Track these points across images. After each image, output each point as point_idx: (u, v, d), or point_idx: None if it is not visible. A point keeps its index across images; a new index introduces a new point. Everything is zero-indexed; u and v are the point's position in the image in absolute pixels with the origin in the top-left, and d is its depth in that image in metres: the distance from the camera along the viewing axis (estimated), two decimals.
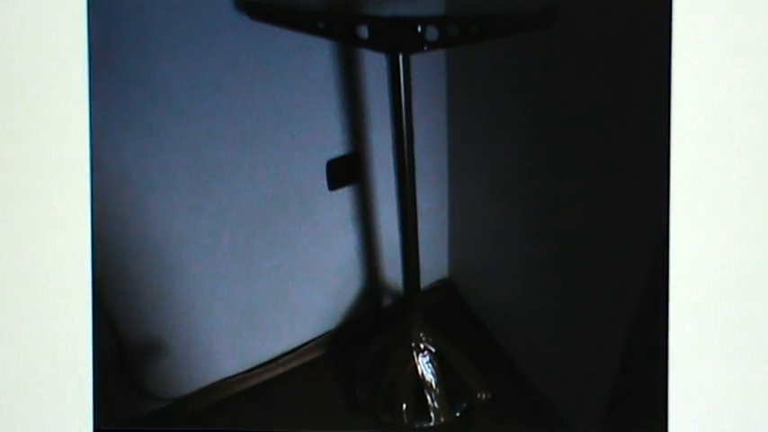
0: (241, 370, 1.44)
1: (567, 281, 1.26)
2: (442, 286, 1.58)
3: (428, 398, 1.34)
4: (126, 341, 1.26)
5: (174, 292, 1.29)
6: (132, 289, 1.22)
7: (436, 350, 1.35)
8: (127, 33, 1.03)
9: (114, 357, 1.24)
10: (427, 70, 1.28)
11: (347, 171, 1.37)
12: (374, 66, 1.16)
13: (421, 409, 1.34)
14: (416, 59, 1.12)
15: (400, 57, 1.10)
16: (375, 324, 1.52)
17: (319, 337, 1.49)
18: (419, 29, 1.04)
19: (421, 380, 1.34)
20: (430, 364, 1.34)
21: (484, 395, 1.37)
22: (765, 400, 0.83)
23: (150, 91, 1.12)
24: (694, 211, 0.85)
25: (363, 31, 1.07)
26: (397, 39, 1.07)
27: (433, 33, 1.04)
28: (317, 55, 1.20)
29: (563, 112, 1.14)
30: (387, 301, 1.54)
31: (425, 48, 1.06)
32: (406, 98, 1.13)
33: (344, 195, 1.39)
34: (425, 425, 1.33)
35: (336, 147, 1.33)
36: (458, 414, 1.35)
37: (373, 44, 1.09)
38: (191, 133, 1.16)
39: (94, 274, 0.89)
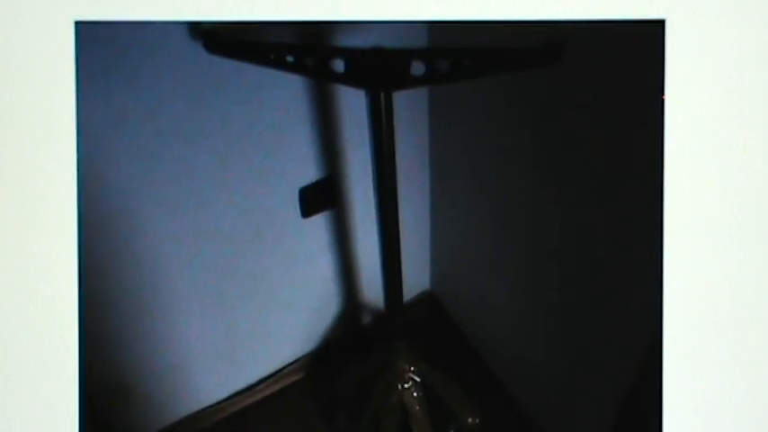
0: (221, 398, 1.34)
1: (559, 301, 1.14)
2: (424, 299, 1.52)
3: (413, 429, 1.22)
4: (109, 377, 1.16)
5: (151, 325, 1.16)
6: (110, 325, 1.10)
7: (422, 379, 1.23)
8: (117, 63, 0.87)
9: (95, 393, 1.14)
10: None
11: (321, 197, 1.21)
12: (349, 90, 0.97)
13: None
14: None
15: (381, 95, 0.89)
16: (356, 343, 1.43)
17: (298, 359, 1.40)
18: (403, 63, 0.84)
19: (406, 410, 1.22)
20: (415, 394, 1.22)
21: (471, 419, 1.26)
22: None
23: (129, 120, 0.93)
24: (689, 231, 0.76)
25: (339, 65, 0.87)
26: (378, 74, 0.87)
27: (419, 68, 0.85)
28: (288, 78, 0.98)
29: (553, 131, 0.99)
30: (367, 319, 1.47)
31: (411, 84, 0.86)
32: (387, 138, 0.93)
33: (319, 222, 1.24)
34: None
35: (308, 173, 1.17)
36: None
37: (350, 79, 0.88)
38: (163, 162, 0.99)
39: (81, 312, 0.80)
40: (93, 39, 0.81)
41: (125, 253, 1.04)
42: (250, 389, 1.35)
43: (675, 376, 0.77)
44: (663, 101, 0.68)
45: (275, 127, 1.07)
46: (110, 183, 0.96)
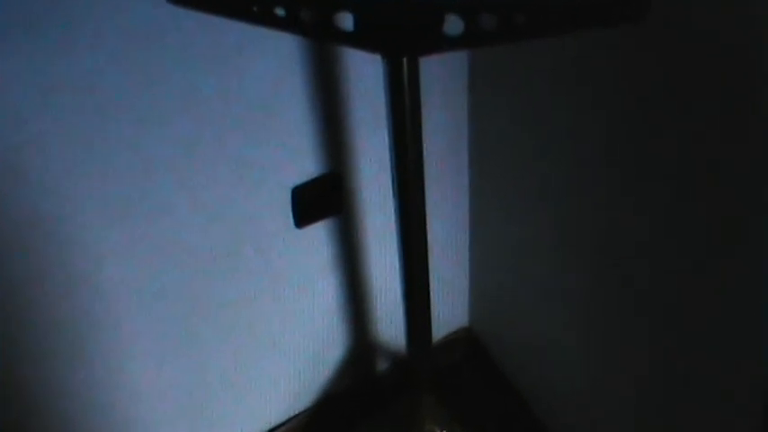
0: None
1: (643, 344, 1.13)
2: (460, 339, 1.54)
3: None
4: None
5: (89, 373, 1.16)
6: (32, 373, 1.10)
7: None
8: (45, 16, 0.87)
9: None
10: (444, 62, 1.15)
11: (321, 200, 1.21)
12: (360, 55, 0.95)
13: None
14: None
15: (404, 62, 0.89)
16: (368, 398, 1.44)
17: (290, 419, 1.42)
18: (435, 18, 0.83)
19: None
20: None
21: None
22: None
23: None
24: None
25: (346, 21, 0.85)
26: (400, 33, 0.86)
27: (455, 25, 0.82)
28: (277, 38, 1.02)
29: (639, 111, 0.97)
30: (382, 366, 1.49)
31: (444, 47, 0.85)
32: (411, 120, 0.92)
33: (319, 234, 1.25)
34: None
35: (304, 168, 1.17)
36: None
37: (362, 40, 0.88)
38: (107, 151, 1.00)
39: None
40: None
41: (54, 275, 1.04)
42: None
43: None
44: None
45: (260, 105, 1.07)
46: (32, 178, 0.95)
